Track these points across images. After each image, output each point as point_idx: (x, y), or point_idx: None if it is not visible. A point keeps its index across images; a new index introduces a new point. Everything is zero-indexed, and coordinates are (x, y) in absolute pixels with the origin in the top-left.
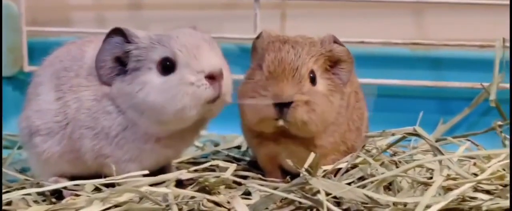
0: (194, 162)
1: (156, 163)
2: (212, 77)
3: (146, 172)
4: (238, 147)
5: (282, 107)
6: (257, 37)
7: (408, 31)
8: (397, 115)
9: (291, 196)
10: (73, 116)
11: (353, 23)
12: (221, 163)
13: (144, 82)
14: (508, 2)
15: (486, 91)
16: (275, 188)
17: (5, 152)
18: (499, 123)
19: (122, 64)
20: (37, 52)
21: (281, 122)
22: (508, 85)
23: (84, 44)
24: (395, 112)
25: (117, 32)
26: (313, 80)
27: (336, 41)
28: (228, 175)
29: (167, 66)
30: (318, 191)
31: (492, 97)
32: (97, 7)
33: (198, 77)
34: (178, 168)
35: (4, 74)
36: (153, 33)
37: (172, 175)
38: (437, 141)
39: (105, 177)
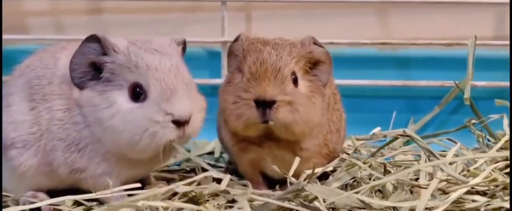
0: (168, 170)
1: (132, 178)
2: (179, 123)
3: (138, 185)
4: (211, 153)
5: (265, 108)
6: (235, 40)
7: (374, 31)
8: (366, 115)
9: (286, 204)
10: (46, 127)
11: (318, 24)
12: (215, 174)
13: (113, 101)
14: (472, 0)
15: (459, 89)
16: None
17: None
18: (473, 121)
19: (96, 70)
20: None
21: (269, 123)
22: (478, 83)
23: (57, 51)
24: (365, 112)
25: (94, 39)
26: (295, 82)
27: (315, 42)
28: (223, 186)
29: (137, 93)
30: (314, 198)
31: (466, 95)
32: (54, 12)
33: (165, 118)
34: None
35: None
36: (136, 43)
37: (166, 188)
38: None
39: (83, 192)
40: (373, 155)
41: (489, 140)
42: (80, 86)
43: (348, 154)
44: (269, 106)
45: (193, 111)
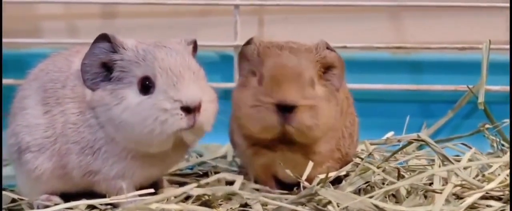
0: (180, 173)
1: (146, 179)
2: (188, 109)
3: (152, 190)
4: (224, 156)
5: (286, 112)
6: (246, 44)
7: (388, 35)
8: (380, 119)
9: (299, 208)
10: (61, 130)
11: (331, 28)
12: (228, 176)
13: (123, 97)
14: (487, 4)
15: (473, 93)
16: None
17: None
18: (487, 125)
19: (108, 70)
20: (8, 64)
21: (287, 127)
22: (492, 87)
23: (70, 54)
24: (378, 117)
25: (104, 38)
26: (312, 86)
27: (328, 47)
28: (236, 188)
29: (146, 86)
30: (328, 203)
31: (481, 99)
32: (67, 16)
33: (173, 105)
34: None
35: None
36: (145, 43)
37: (180, 191)
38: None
39: (97, 195)
40: (387, 159)
41: (503, 145)
42: (92, 88)
43: (362, 158)
44: (290, 111)
45: (203, 99)
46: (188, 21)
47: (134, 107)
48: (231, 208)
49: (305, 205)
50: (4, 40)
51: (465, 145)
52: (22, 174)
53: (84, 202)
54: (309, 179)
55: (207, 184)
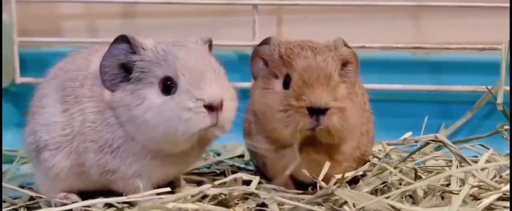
0: (198, 172)
1: (163, 178)
2: (211, 107)
3: (168, 189)
4: (241, 156)
5: (318, 115)
6: (262, 44)
7: (407, 35)
8: (398, 120)
9: (316, 208)
10: (79, 129)
11: (350, 28)
12: (245, 176)
13: (144, 97)
14: (507, 5)
15: (491, 94)
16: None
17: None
18: (506, 126)
19: (126, 71)
20: (29, 63)
21: (317, 130)
22: (508, 88)
23: (90, 53)
24: (397, 117)
25: (123, 39)
26: (339, 86)
27: (345, 44)
28: (253, 188)
29: (168, 86)
30: (344, 203)
31: (499, 100)
32: (88, 16)
33: (196, 104)
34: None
35: None
36: (163, 43)
37: (197, 190)
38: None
39: (114, 193)
40: (404, 160)
41: None
42: (111, 89)
43: (379, 158)
44: (323, 113)
45: (225, 97)
46: (208, 20)
47: (157, 107)
48: (247, 207)
49: (322, 205)
50: (25, 38)
51: (483, 146)
52: (40, 172)
53: (101, 201)
54: (326, 179)
55: (224, 183)
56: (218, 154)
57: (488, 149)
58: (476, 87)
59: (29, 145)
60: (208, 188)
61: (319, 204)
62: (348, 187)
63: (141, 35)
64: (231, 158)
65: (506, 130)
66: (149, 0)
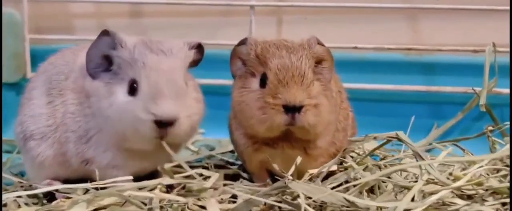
0: (188, 166)
1: (141, 170)
2: (161, 123)
3: (131, 177)
4: (233, 151)
5: (294, 112)
6: (239, 44)
7: (402, 37)
8: (390, 119)
9: (270, 200)
10: (61, 120)
11: (347, 29)
12: (205, 172)
13: (113, 93)
14: (499, 7)
15: (478, 96)
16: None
17: (5, 156)
18: (490, 128)
19: (109, 63)
20: (40, 59)
21: (293, 127)
22: (500, 90)
23: (78, 49)
24: (388, 117)
25: (107, 33)
26: (312, 83)
27: (319, 42)
28: (209, 185)
29: (134, 88)
30: (298, 196)
31: (482, 101)
32: (98, 14)
33: (147, 116)
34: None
35: (7, 80)
36: (145, 43)
37: (155, 182)
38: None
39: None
40: (365, 156)
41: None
42: (93, 76)
43: (359, 155)
44: (298, 110)
45: (180, 115)
46: (210, 20)
47: (119, 104)
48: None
49: (276, 197)
50: (38, 36)
51: (458, 146)
52: (27, 160)
53: (63, 186)
54: (301, 174)
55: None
56: (213, 149)
57: (463, 149)
58: (467, 89)
59: (17, 135)
60: (162, 180)
61: (274, 196)
62: (320, 182)
63: (148, 33)
64: (223, 153)
65: (491, 131)
66: (155, 0)
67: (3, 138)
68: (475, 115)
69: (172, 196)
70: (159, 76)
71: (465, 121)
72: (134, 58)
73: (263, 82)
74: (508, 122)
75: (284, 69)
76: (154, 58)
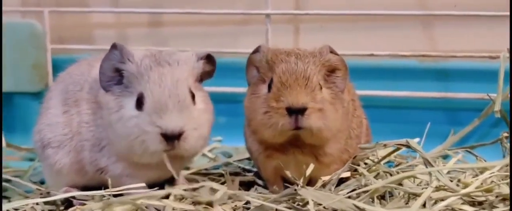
0: (205, 173)
1: (154, 179)
2: (167, 136)
3: (143, 184)
4: (249, 158)
5: (297, 115)
6: (254, 52)
7: (417, 43)
8: (405, 126)
9: (281, 206)
10: (76, 129)
11: (363, 36)
12: (215, 185)
13: (121, 106)
14: None
15: (493, 101)
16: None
17: (28, 164)
18: (505, 134)
19: (121, 76)
20: (61, 68)
21: (298, 130)
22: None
23: (94, 60)
24: (404, 123)
25: (115, 47)
26: (320, 89)
27: (331, 51)
28: (217, 197)
29: (140, 102)
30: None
31: (497, 108)
32: (118, 25)
33: (154, 130)
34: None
35: (30, 90)
36: (152, 56)
37: (163, 192)
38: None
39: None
40: (376, 164)
41: None
42: (106, 89)
43: (374, 162)
44: (301, 113)
45: (186, 127)
46: (228, 29)
47: (126, 119)
48: (235, 205)
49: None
50: (58, 46)
51: (471, 153)
52: (46, 168)
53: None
54: (314, 181)
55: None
56: (230, 156)
57: (476, 156)
58: (483, 95)
59: (36, 143)
60: (173, 190)
61: (284, 202)
62: (333, 188)
63: (167, 42)
64: (239, 160)
65: (506, 138)
66: (173, 10)
67: (26, 147)
68: (492, 121)
69: (183, 205)
70: (163, 89)
71: (482, 128)
72: (140, 72)
73: (270, 87)
74: None
75: (289, 73)
76: (159, 71)
